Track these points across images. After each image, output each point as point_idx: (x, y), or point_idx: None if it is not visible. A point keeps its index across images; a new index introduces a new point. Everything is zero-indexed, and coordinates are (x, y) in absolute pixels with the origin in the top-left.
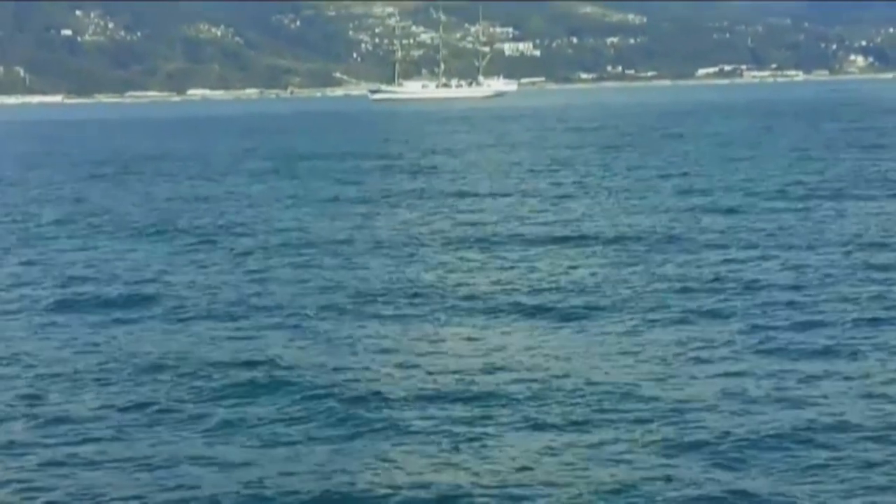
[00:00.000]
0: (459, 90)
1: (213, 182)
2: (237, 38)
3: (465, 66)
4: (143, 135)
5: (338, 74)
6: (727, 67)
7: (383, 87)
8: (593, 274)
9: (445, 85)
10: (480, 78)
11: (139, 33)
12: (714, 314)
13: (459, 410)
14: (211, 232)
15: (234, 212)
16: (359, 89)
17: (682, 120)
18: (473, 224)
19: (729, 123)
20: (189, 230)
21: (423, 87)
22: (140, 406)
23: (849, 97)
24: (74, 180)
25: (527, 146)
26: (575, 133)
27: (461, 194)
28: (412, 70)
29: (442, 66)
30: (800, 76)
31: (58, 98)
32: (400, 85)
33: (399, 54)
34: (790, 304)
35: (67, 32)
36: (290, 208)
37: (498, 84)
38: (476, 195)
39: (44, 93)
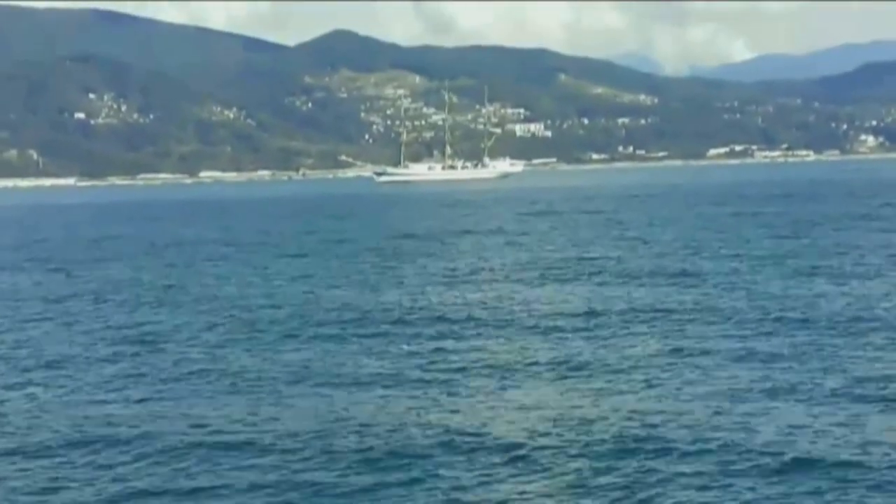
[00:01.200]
0: (465, 171)
1: (352, 264)
2: (249, 120)
3: (475, 147)
4: (205, 219)
5: (343, 157)
6: (738, 147)
7: (389, 169)
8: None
9: (451, 167)
10: (486, 159)
11: (151, 116)
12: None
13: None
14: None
15: (428, 293)
16: (367, 171)
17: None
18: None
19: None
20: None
21: (429, 168)
22: None
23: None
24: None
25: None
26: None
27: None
28: (422, 151)
29: (448, 147)
30: (811, 156)
31: (70, 181)
32: (406, 167)
33: (405, 136)
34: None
35: (80, 115)
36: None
37: (503, 165)
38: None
39: (57, 175)
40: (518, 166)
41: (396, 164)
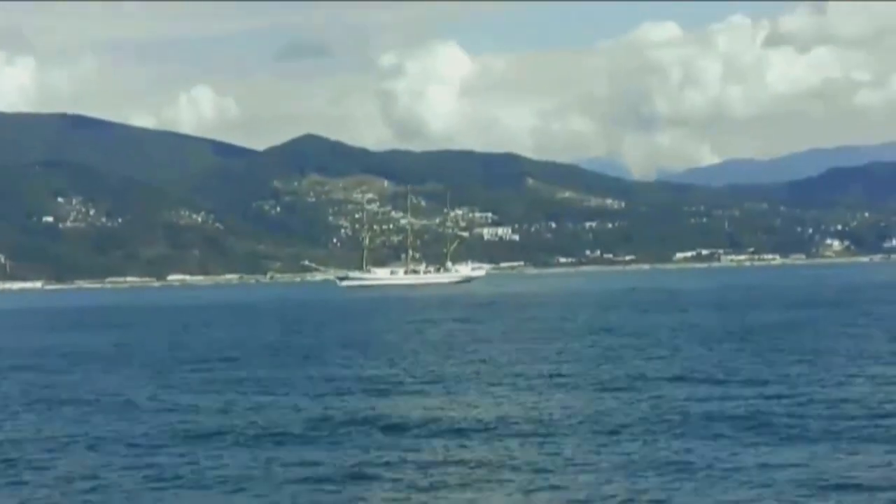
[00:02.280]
0: (427, 276)
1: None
2: (217, 224)
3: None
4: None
5: (306, 262)
6: (705, 251)
7: (351, 273)
8: None
9: (414, 271)
10: (448, 263)
11: (120, 220)
12: None
13: None
14: None
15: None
16: (331, 275)
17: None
18: None
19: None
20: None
21: (392, 273)
22: None
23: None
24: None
25: None
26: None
27: None
28: (390, 255)
29: (410, 251)
30: (777, 260)
31: (38, 284)
32: (368, 271)
33: (367, 241)
34: None
35: (49, 219)
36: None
37: (466, 269)
38: None
39: (24, 279)
40: (481, 270)
41: (360, 268)
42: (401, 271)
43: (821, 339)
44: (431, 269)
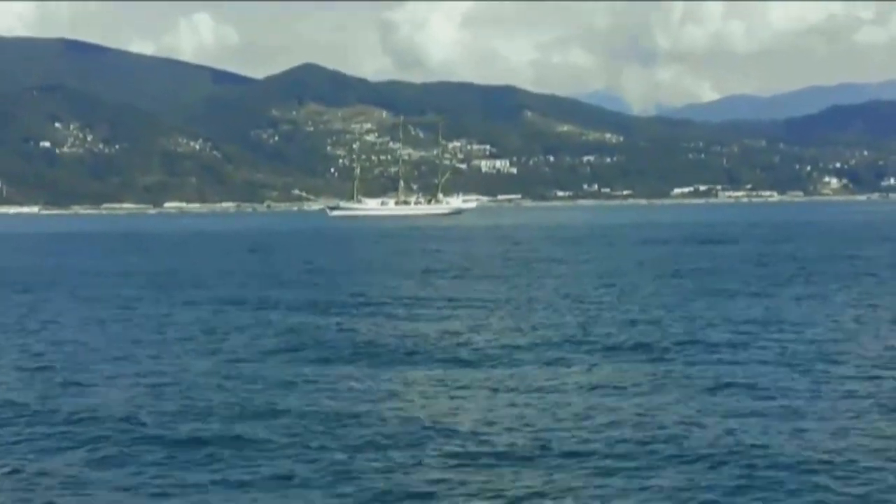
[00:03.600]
0: (418, 207)
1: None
2: (215, 152)
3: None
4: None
5: (296, 191)
6: (702, 187)
7: (342, 203)
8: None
9: (405, 202)
10: (440, 195)
11: (117, 146)
12: None
13: None
14: None
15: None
16: (323, 205)
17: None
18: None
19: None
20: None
21: (382, 203)
22: None
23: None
24: None
25: None
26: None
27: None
28: (388, 185)
29: (402, 182)
30: (774, 196)
31: (34, 209)
32: (359, 201)
33: (358, 171)
34: None
35: (46, 144)
36: None
37: (457, 201)
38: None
39: (21, 203)
40: (472, 202)
41: (352, 198)
42: (391, 202)
43: None
44: (423, 200)
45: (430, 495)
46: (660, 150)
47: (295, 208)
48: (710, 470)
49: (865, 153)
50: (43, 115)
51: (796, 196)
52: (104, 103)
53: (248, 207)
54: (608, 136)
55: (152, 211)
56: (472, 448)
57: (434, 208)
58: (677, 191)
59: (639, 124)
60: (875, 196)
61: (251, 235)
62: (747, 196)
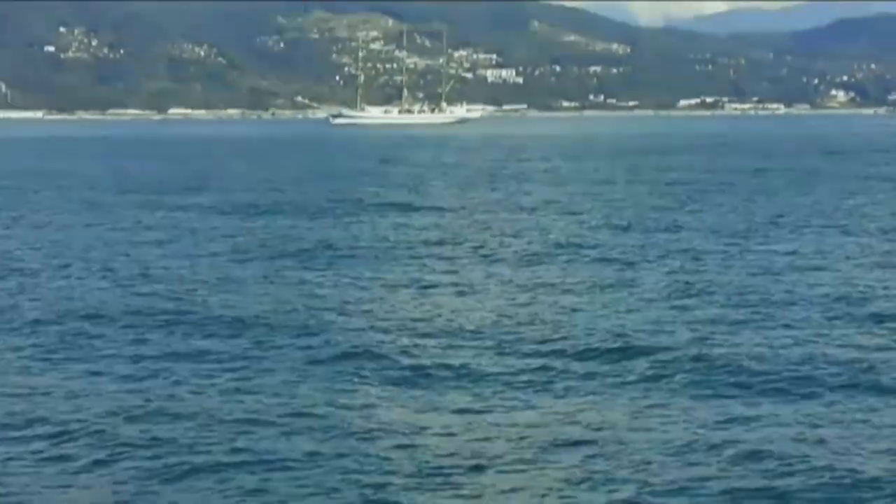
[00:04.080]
0: (421, 116)
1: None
2: (220, 59)
3: (450, 91)
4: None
5: (299, 98)
6: (709, 99)
7: (344, 111)
8: None
9: (408, 111)
10: (443, 104)
11: (122, 51)
12: None
13: None
14: None
15: None
16: (326, 113)
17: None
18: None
19: None
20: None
21: (385, 112)
22: None
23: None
24: None
25: None
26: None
27: None
28: (393, 94)
29: (405, 91)
30: (781, 109)
31: (39, 114)
32: (362, 110)
33: (361, 79)
34: None
35: (50, 49)
36: None
37: (460, 111)
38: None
39: (25, 108)
40: (476, 112)
41: (355, 106)
42: (395, 111)
43: None
44: (426, 109)
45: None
46: (666, 61)
47: (300, 116)
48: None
49: (873, 66)
50: (48, 20)
51: (803, 109)
52: (109, 8)
53: (252, 115)
54: (615, 46)
55: (157, 117)
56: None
57: (437, 117)
58: (683, 102)
59: (646, 35)
60: (882, 110)
61: (241, 142)
62: (754, 108)
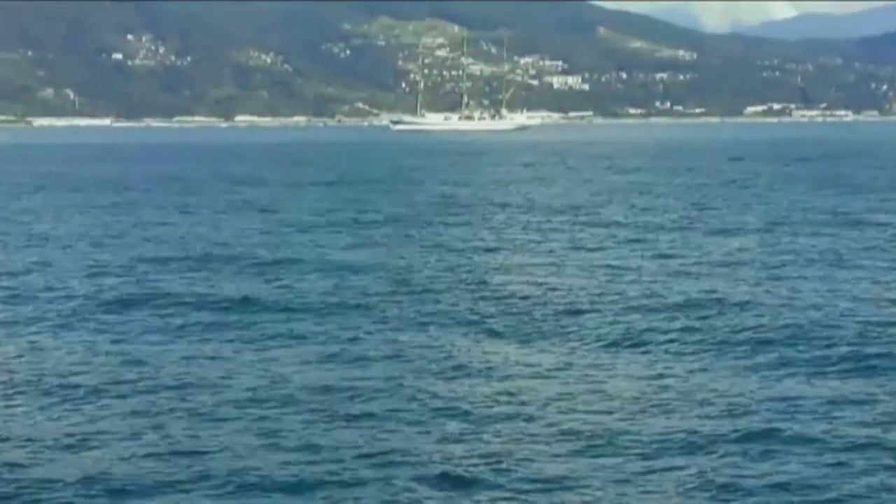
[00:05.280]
0: (481, 123)
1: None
2: (286, 66)
3: (511, 98)
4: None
5: (359, 104)
6: (776, 106)
7: (405, 118)
8: None
9: (468, 117)
10: (503, 111)
11: (189, 58)
12: None
13: None
14: None
15: None
16: (389, 118)
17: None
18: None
19: None
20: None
21: (446, 118)
22: None
23: None
24: None
25: None
26: None
27: None
28: (458, 101)
29: (465, 97)
30: (849, 116)
31: (106, 121)
32: (422, 116)
33: (421, 86)
34: None
35: (118, 56)
36: None
37: (520, 117)
38: None
39: (93, 116)
40: (536, 119)
41: (415, 112)
42: (455, 117)
43: None
44: (486, 115)
45: None
46: (733, 67)
47: (365, 123)
48: None
49: None
50: (115, 27)
51: (871, 116)
52: (177, 15)
53: (318, 122)
54: (681, 52)
55: (223, 124)
56: None
57: (497, 124)
58: (750, 109)
59: (712, 41)
60: None
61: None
62: (821, 115)
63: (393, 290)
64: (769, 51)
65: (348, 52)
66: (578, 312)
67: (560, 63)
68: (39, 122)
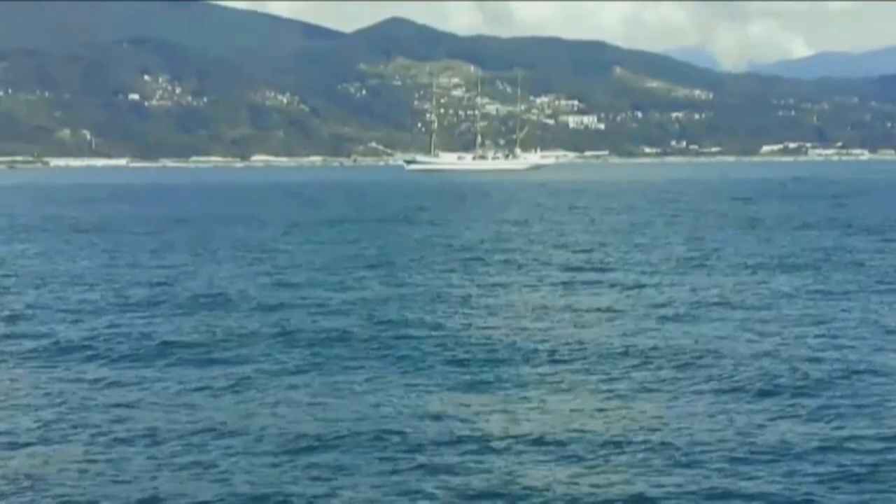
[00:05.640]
0: (495, 162)
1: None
2: (302, 106)
3: (527, 138)
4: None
5: (373, 144)
6: (792, 145)
7: (418, 157)
8: None
9: (482, 157)
10: (517, 150)
11: (205, 99)
12: None
13: None
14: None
15: None
16: (403, 158)
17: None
18: None
19: None
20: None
21: (459, 158)
22: None
23: None
24: None
25: None
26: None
27: None
28: (472, 140)
29: (479, 137)
30: (865, 155)
31: (122, 161)
32: (436, 155)
33: (435, 125)
34: None
35: (135, 97)
36: None
37: (534, 157)
38: None
39: (109, 156)
40: (550, 158)
41: (429, 152)
42: (468, 157)
43: None
44: (500, 155)
45: None
46: (749, 106)
47: (381, 163)
48: None
49: None
50: (132, 68)
51: (887, 154)
52: (193, 56)
53: (334, 161)
54: (697, 92)
55: (239, 164)
56: None
57: (511, 163)
58: (766, 148)
59: (729, 80)
60: None
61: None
62: (837, 154)
63: (373, 333)
64: (785, 90)
65: (364, 91)
66: (560, 361)
67: (576, 102)
68: (56, 162)
